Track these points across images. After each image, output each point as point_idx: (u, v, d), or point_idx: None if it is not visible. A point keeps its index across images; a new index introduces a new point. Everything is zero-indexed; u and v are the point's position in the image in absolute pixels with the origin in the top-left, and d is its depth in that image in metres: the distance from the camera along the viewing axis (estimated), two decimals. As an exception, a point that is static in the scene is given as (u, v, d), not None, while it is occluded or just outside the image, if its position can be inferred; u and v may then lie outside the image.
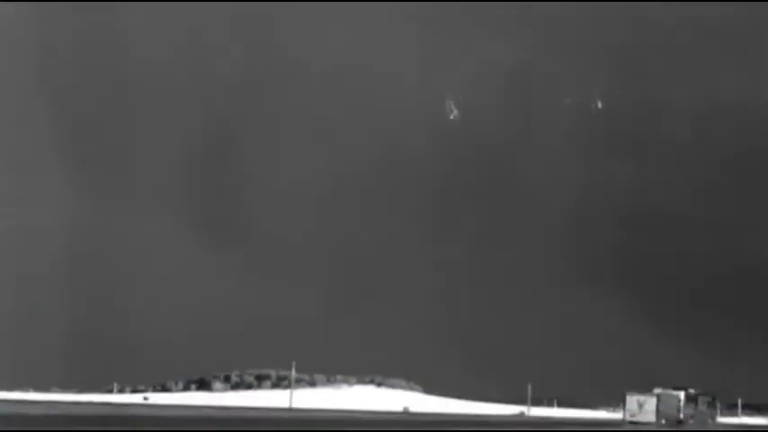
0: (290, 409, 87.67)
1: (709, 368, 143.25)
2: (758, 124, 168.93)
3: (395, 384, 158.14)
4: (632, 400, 78.79)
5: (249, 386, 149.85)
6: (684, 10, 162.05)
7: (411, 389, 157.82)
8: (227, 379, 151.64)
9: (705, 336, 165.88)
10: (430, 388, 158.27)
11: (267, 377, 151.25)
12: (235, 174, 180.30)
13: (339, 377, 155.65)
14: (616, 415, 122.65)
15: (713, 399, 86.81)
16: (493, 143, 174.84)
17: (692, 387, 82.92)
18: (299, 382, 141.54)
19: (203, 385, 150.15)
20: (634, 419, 77.17)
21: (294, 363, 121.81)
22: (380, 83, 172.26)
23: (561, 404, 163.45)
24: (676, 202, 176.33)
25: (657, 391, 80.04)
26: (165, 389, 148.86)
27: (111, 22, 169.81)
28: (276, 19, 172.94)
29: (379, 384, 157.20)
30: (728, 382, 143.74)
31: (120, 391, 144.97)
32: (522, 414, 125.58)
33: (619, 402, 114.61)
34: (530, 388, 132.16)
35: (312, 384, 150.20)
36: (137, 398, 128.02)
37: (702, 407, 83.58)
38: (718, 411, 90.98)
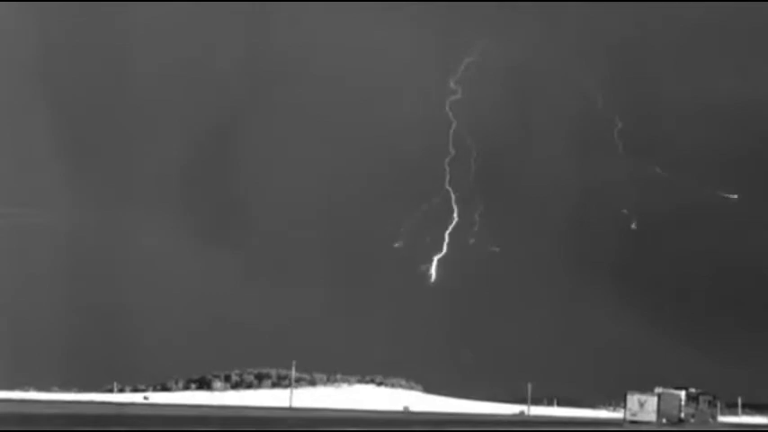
0: (290, 409, 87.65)
1: (710, 368, 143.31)
2: (758, 124, 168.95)
3: (395, 384, 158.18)
4: (633, 400, 78.66)
5: (249, 385, 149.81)
6: (685, 10, 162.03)
7: (411, 388, 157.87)
8: (227, 378, 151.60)
9: (706, 336, 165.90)
10: (430, 387, 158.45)
11: (267, 376, 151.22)
12: (235, 174, 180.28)
13: (339, 376, 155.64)
14: (616, 414, 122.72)
15: (714, 398, 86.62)
16: (493, 142, 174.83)
17: (692, 386, 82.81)
18: (300, 382, 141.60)
19: (203, 384, 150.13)
20: (635, 419, 77.08)
21: (294, 362, 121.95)
22: (381, 83, 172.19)
23: (561, 403, 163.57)
24: (677, 201, 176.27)
25: (658, 390, 79.91)
26: (165, 388, 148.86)
27: (112, 23, 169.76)
28: (276, 20, 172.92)
29: (379, 384, 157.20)
30: (729, 381, 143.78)
31: (121, 390, 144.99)
32: (522, 413, 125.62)
33: (619, 402, 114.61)
34: (530, 387, 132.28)
35: (312, 383, 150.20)
36: (137, 397, 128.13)
37: (703, 406, 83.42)
38: (719, 411, 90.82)
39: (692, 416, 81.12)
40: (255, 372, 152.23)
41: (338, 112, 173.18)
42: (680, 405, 79.80)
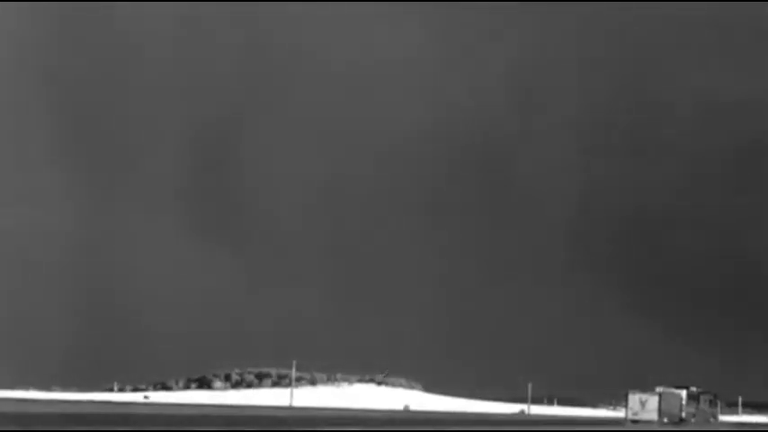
0: (290, 408, 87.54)
1: (710, 367, 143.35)
2: (759, 123, 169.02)
3: (395, 383, 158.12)
4: (634, 399, 78.51)
5: (250, 384, 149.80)
6: (686, 10, 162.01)
7: (411, 387, 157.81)
8: (227, 377, 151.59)
9: (707, 336, 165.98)
10: (430, 386, 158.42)
11: (268, 375, 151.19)
12: (236, 174, 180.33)
13: (339, 376, 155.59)
14: (616, 413, 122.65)
15: (714, 397, 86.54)
16: (494, 143, 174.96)
17: (693, 385, 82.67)
18: (300, 381, 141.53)
19: (204, 384, 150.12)
20: (636, 418, 76.96)
21: (295, 361, 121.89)
22: (383, 83, 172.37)
23: (561, 403, 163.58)
24: (677, 201, 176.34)
25: (659, 389, 79.76)
26: (165, 387, 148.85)
27: (113, 22, 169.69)
28: (276, 19, 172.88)
29: (379, 383, 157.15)
30: (729, 381, 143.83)
31: (121, 389, 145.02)
32: (522, 412, 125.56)
33: (619, 401, 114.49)
34: (530, 386, 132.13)
35: (313, 383, 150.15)
36: (137, 396, 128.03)
37: (704, 405, 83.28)
38: (720, 410, 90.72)
39: (693, 415, 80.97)
40: (256, 371, 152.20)
41: (339, 112, 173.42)
42: (681, 404, 79.66)
